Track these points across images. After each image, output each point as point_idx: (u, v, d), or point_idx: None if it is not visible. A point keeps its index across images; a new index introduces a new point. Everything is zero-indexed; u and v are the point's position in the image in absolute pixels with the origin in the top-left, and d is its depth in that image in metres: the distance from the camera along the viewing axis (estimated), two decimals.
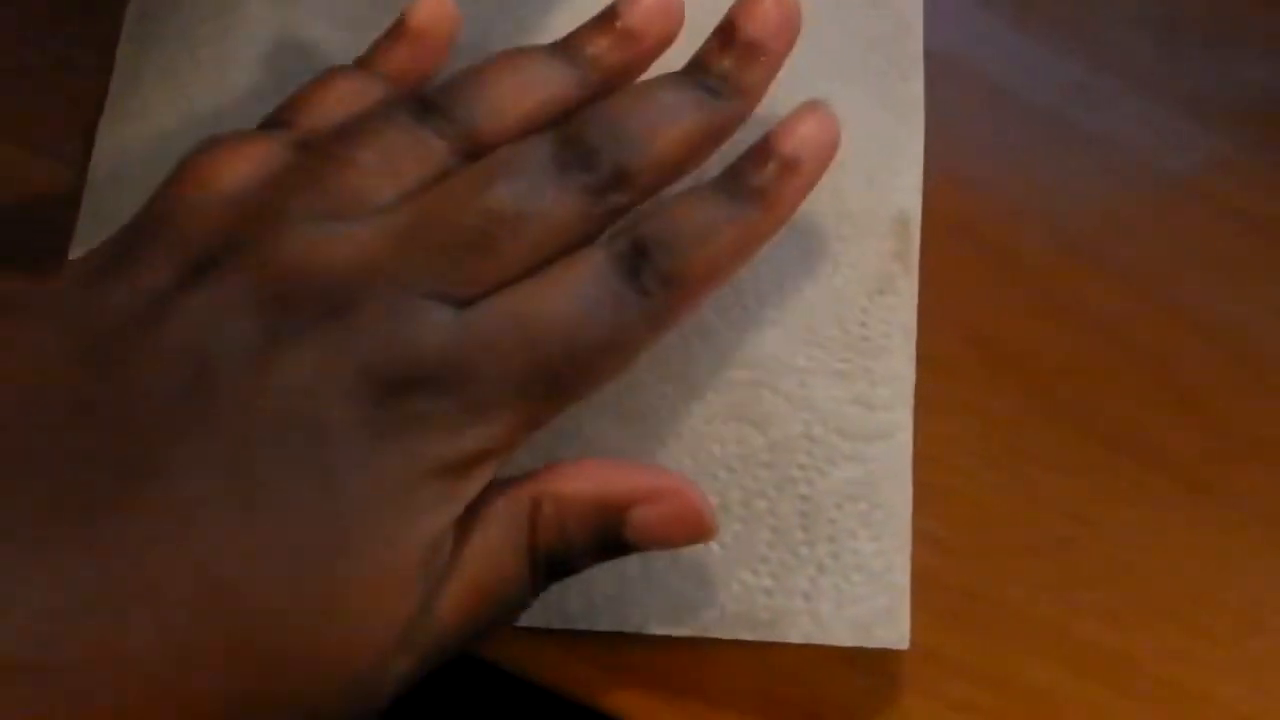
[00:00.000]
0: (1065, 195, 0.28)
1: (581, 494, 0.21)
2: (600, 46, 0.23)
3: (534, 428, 0.20)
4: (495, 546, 0.20)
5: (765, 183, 0.22)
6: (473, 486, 0.20)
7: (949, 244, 0.27)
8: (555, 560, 0.21)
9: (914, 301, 0.26)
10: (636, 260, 0.21)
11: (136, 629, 0.17)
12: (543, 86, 0.22)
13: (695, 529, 0.21)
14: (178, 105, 0.27)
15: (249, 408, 0.18)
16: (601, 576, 0.24)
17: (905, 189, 0.26)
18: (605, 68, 0.23)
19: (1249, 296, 0.28)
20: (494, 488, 0.21)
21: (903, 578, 0.24)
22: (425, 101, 0.21)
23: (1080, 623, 0.25)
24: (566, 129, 0.21)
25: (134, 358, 0.18)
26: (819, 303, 0.25)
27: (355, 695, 0.19)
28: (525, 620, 0.23)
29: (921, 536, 0.25)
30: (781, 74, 0.27)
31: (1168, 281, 0.28)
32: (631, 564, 0.24)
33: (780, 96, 0.24)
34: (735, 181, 0.22)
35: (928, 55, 0.28)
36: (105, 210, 0.26)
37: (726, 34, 0.23)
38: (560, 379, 0.20)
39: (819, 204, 0.26)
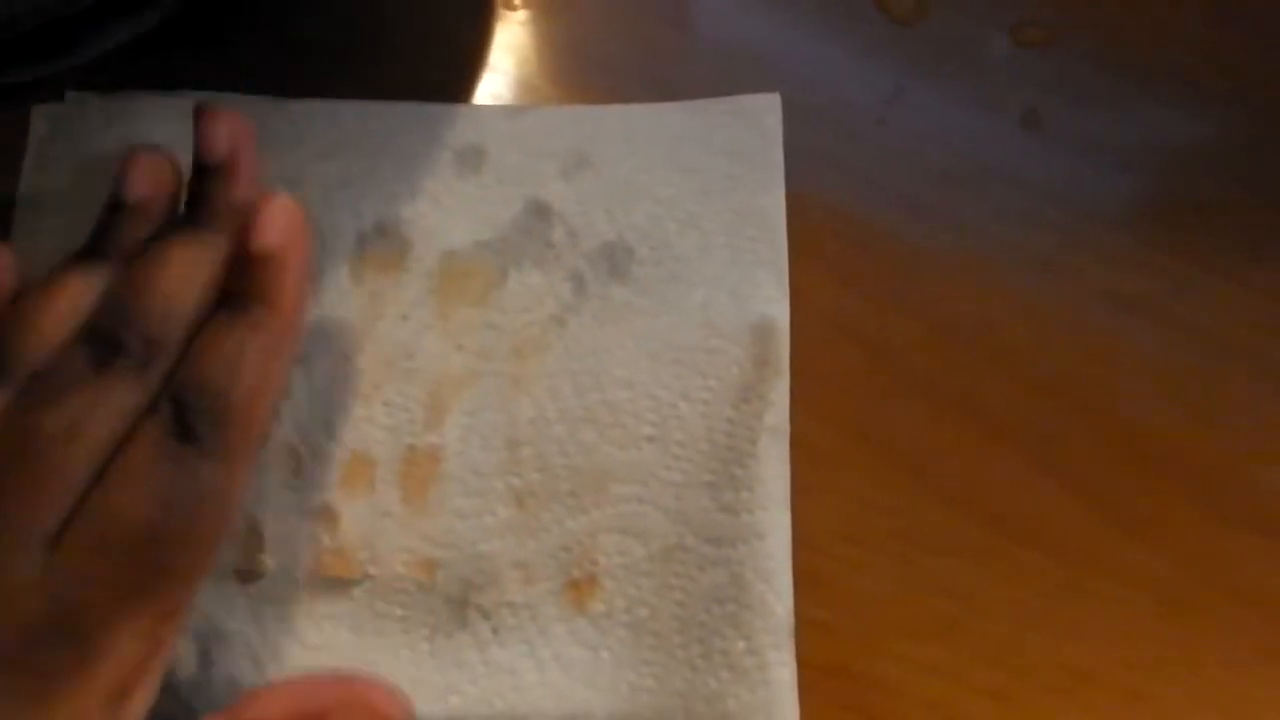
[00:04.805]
0: (933, 282, 0.29)
1: (272, 718, 0.22)
2: (119, 231, 0.24)
3: (173, 618, 0.21)
4: None
5: (260, 287, 0.23)
6: (141, 697, 0.21)
7: (822, 337, 0.28)
8: None
9: (785, 403, 0.27)
10: (183, 415, 0.21)
11: None
12: (83, 295, 0.23)
13: None
14: None
15: None
16: (500, 681, 0.26)
17: (769, 297, 0.28)
18: (130, 248, 0.24)
19: (1121, 373, 0.28)
20: None
21: (781, 673, 0.25)
22: None
23: (971, 703, 0.26)
24: (92, 327, 0.22)
25: None
26: (690, 416, 0.27)
27: None
28: None
29: (808, 624, 0.26)
30: (651, 195, 0.29)
31: (1040, 361, 0.28)
32: (528, 669, 0.26)
33: (650, 216, 0.28)
34: (233, 299, 0.23)
35: (792, 153, 0.29)
36: None
37: (195, 167, 0.24)
38: (164, 567, 0.21)
39: (687, 318, 0.28)
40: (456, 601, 0.26)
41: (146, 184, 0.24)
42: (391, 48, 0.31)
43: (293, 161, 0.29)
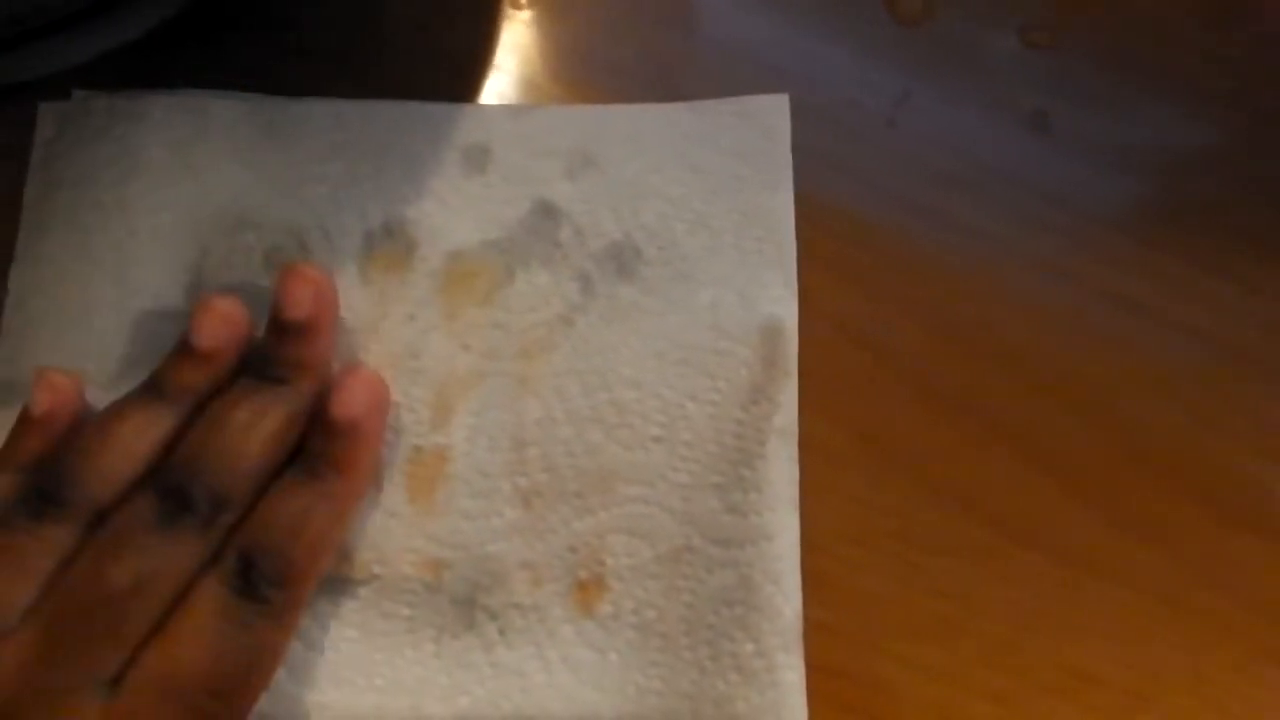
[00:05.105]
0: (937, 285, 0.29)
1: None
2: (186, 376, 0.25)
3: None
4: None
5: (335, 454, 0.24)
6: None
7: (826, 339, 0.28)
8: None
9: (793, 404, 0.27)
10: (247, 572, 0.23)
11: None
12: (146, 435, 0.24)
13: None
14: (83, 250, 0.28)
15: None
16: (507, 683, 0.26)
17: (777, 298, 0.28)
18: (197, 392, 0.25)
19: (1123, 374, 0.28)
20: None
21: (789, 675, 0.25)
22: (40, 492, 0.23)
23: (971, 705, 0.26)
24: (162, 479, 0.23)
25: None
26: (697, 417, 0.27)
27: None
28: None
29: (811, 625, 0.26)
30: (658, 195, 0.29)
31: (1042, 363, 0.29)
32: (536, 671, 0.26)
33: (657, 215, 0.28)
34: (309, 461, 0.24)
35: (798, 154, 0.29)
36: (20, 354, 0.27)
37: (274, 323, 0.25)
38: (216, 713, 0.22)
39: (695, 319, 0.28)
40: (463, 602, 0.26)
41: (218, 335, 0.25)
42: (396, 47, 0.31)
43: (298, 161, 0.29)
